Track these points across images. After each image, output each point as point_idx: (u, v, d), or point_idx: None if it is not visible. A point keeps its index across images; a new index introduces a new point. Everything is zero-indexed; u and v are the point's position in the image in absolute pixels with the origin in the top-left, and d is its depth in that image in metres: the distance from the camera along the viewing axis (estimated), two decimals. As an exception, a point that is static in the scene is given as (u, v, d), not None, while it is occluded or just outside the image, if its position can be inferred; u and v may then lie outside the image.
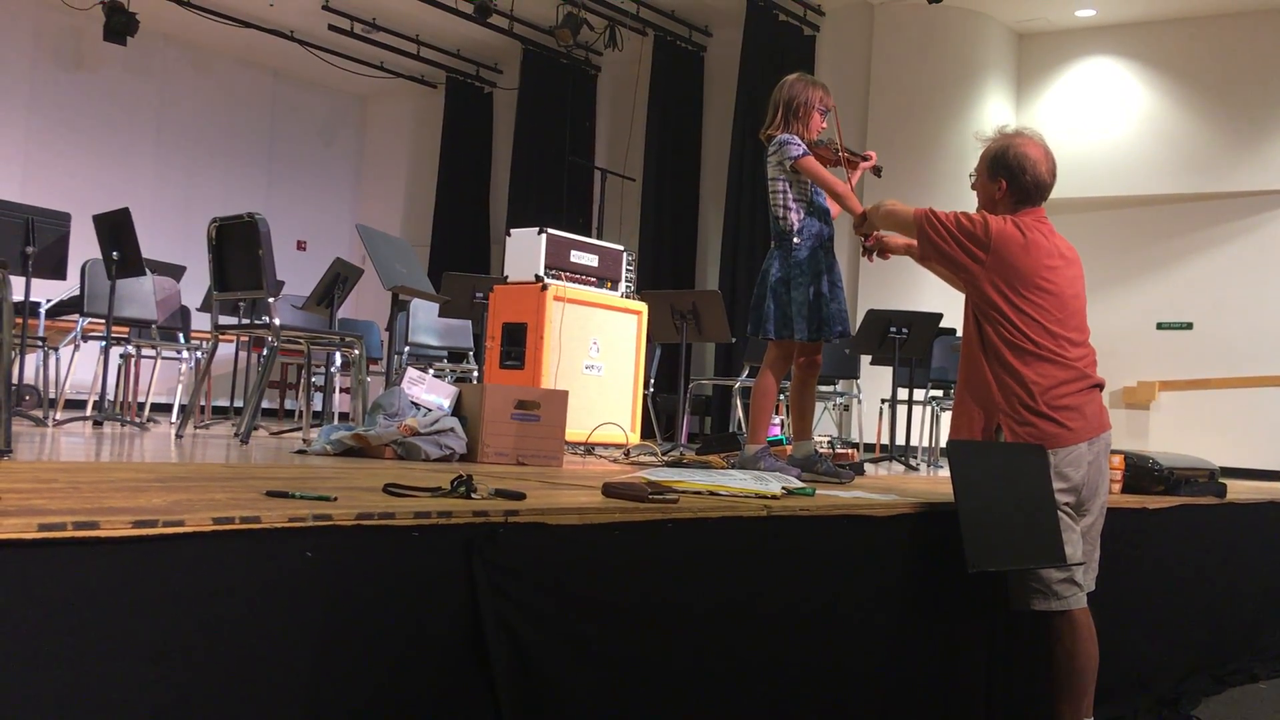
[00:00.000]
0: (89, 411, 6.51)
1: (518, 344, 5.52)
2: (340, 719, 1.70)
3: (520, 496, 2.17)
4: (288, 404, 10.90)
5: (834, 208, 3.83)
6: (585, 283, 5.78)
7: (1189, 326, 9.49)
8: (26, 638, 1.38)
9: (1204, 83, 9.44)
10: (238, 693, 1.57)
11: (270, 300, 4.89)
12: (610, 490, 2.38)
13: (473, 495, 2.14)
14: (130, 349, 7.08)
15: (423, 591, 1.83)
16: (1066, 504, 2.90)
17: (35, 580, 1.41)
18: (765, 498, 2.61)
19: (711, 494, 2.60)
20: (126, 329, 6.90)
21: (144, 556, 1.50)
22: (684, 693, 2.22)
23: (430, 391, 4.04)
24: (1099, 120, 9.82)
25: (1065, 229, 3.21)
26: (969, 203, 3.28)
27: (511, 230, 5.89)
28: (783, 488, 2.76)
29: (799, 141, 3.73)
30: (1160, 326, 9.61)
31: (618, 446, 5.35)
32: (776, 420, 4.76)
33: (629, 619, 2.13)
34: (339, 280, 6.06)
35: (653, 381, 7.95)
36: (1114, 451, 3.70)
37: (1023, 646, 3.07)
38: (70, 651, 1.41)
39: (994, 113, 9.52)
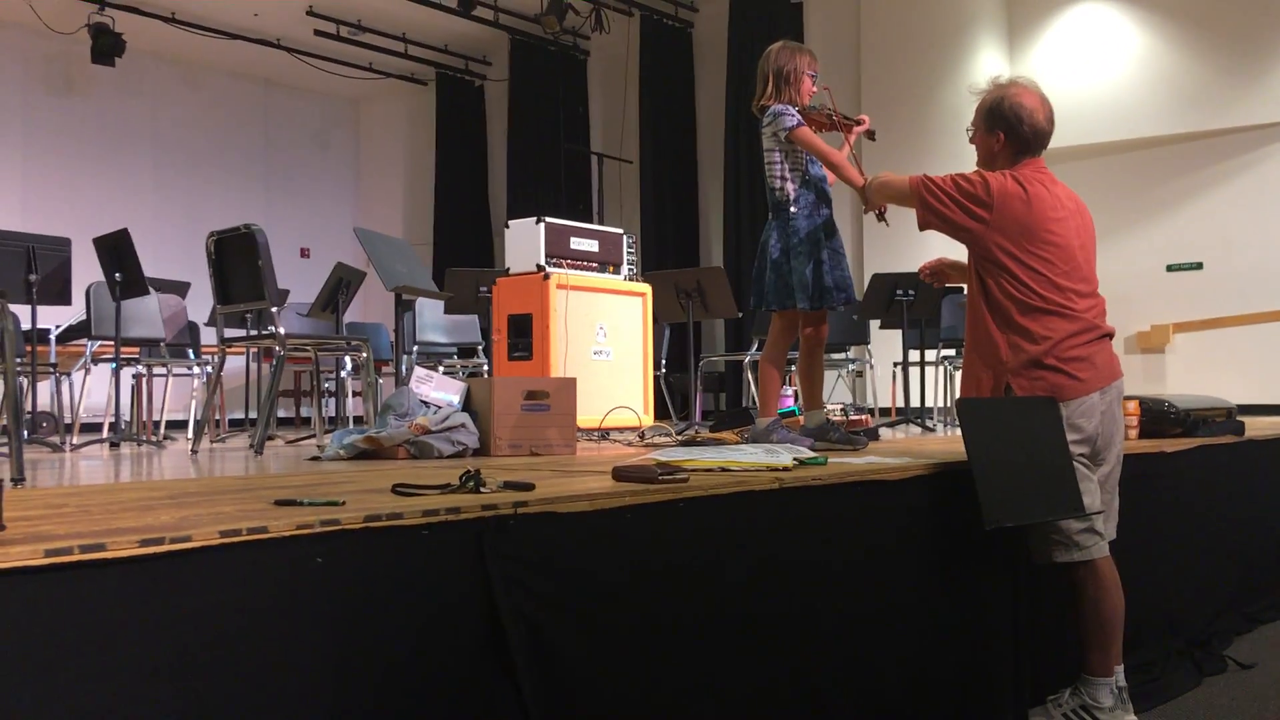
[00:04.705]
0: (105, 434, 6.53)
1: (524, 335, 5.51)
2: (363, 721, 1.70)
3: (529, 487, 2.17)
4: (303, 411, 10.94)
5: (831, 175, 3.81)
6: (587, 269, 5.77)
7: (1199, 266, 9.41)
8: (39, 665, 1.38)
9: (1197, 18, 9.33)
10: (257, 704, 1.57)
11: (274, 310, 4.89)
12: (620, 474, 2.37)
13: (481, 489, 2.13)
14: (141, 369, 7.10)
15: (437, 589, 1.83)
16: (1081, 455, 2.88)
17: (44, 606, 1.41)
18: (777, 470, 2.60)
19: (723, 470, 2.59)
20: (136, 349, 6.92)
21: (152, 575, 1.50)
22: (708, 667, 2.22)
23: (439, 389, 4.04)
24: (1094, 65, 9.72)
25: (1067, 177, 3.18)
26: (967, 160, 3.24)
27: (510, 221, 5.88)
28: (794, 459, 2.75)
29: (793, 111, 3.70)
30: (1170, 268, 9.54)
31: (632, 429, 5.34)
32: (790, 391, 4.75)
33: (647, 600, 2.13)
34: (342, 285, 6.07)
35: (664, 362, 7.95)
36: (1129, 397, 3.68)
37: (1048, 599, 3.06)
38: (84, 676, 1.41)
39: (987, 65, 9.43)
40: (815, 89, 3.82)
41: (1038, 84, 3.12)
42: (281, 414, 10.84)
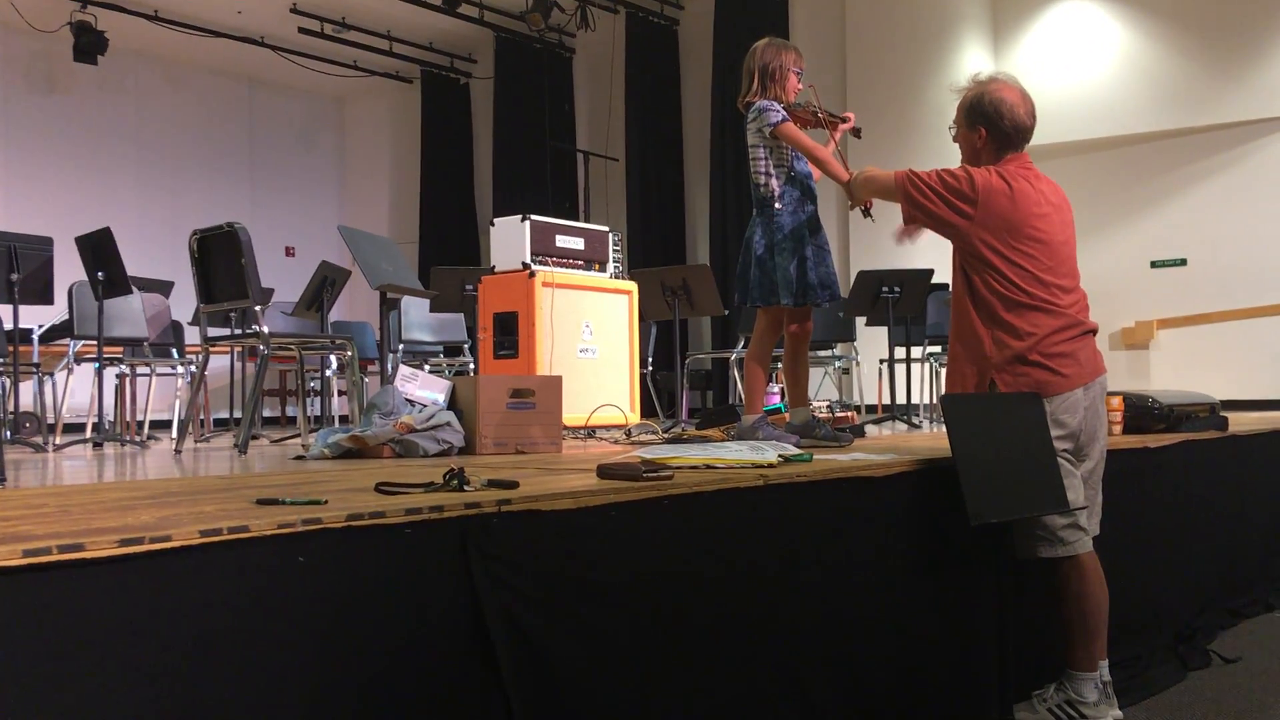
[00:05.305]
0: (88, 434, 6.49)
1: (510, 333, 5.50)
2: (346, 721, 1.69)
3: (513, 485, 2.16)
4: (288, 410, 10.90)
5: (816, 171, 3.81)
6: (573, 266, 5.76)
7: (1183, 263, 9.45)
8: (19, 666, 1.37)
9: (1181, 16, 9.38)
10: (238, 705, 1.56)
11: (258, 309, 4.87)
12: (605, 472, 2.36)
13: (465, 487, 2.12)
14: (124, 368, 7.06)
15: (420, 588, 1.82)
16: (1065, 450, 2.88)
17: (24, 607, 1.39)
18: (762, 467, 2.59)
19: (708, 467, 2.58)
20: (119, 349, 6.88)
21: (132, 575, 1.49)
22: (696, 665, 2.21)
23: (424, 387, 4.02)
24: (1079, 63, 9.76)
25: (1052, 174, 3.18)
26: (952, 157, 3.25)
27: (495, 219, 5.86)
28: (779, 456, 2.75)
29: (778, 108, 3.70)
30: (1154, 265, 9.58)
31: (619, 427, 5.34)
32: (776, 389, 4.75)
33: (632, 598, 2.12)
34: (326, 283, 6.05)
35: (650, 359, 7.94)
36: (1113, 393, 3.70)
37: (1033, 594, 3.07)
38: (63, 677, 1.40)
39: (972, 63, 9.46)
40: (800, 86, 3.82)
41: (1018, 80, 3.13)
42: (266, 413, 10.80)
